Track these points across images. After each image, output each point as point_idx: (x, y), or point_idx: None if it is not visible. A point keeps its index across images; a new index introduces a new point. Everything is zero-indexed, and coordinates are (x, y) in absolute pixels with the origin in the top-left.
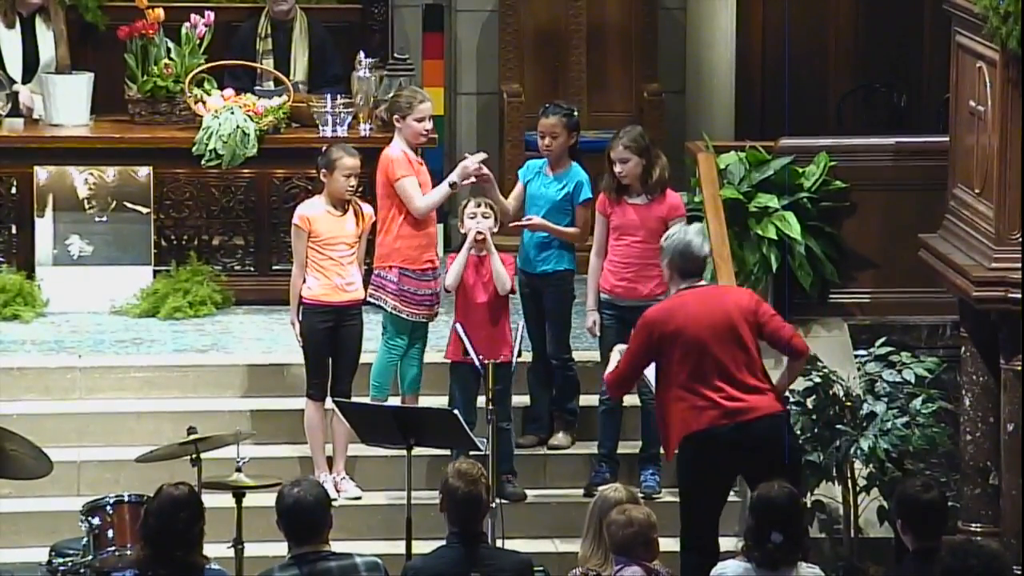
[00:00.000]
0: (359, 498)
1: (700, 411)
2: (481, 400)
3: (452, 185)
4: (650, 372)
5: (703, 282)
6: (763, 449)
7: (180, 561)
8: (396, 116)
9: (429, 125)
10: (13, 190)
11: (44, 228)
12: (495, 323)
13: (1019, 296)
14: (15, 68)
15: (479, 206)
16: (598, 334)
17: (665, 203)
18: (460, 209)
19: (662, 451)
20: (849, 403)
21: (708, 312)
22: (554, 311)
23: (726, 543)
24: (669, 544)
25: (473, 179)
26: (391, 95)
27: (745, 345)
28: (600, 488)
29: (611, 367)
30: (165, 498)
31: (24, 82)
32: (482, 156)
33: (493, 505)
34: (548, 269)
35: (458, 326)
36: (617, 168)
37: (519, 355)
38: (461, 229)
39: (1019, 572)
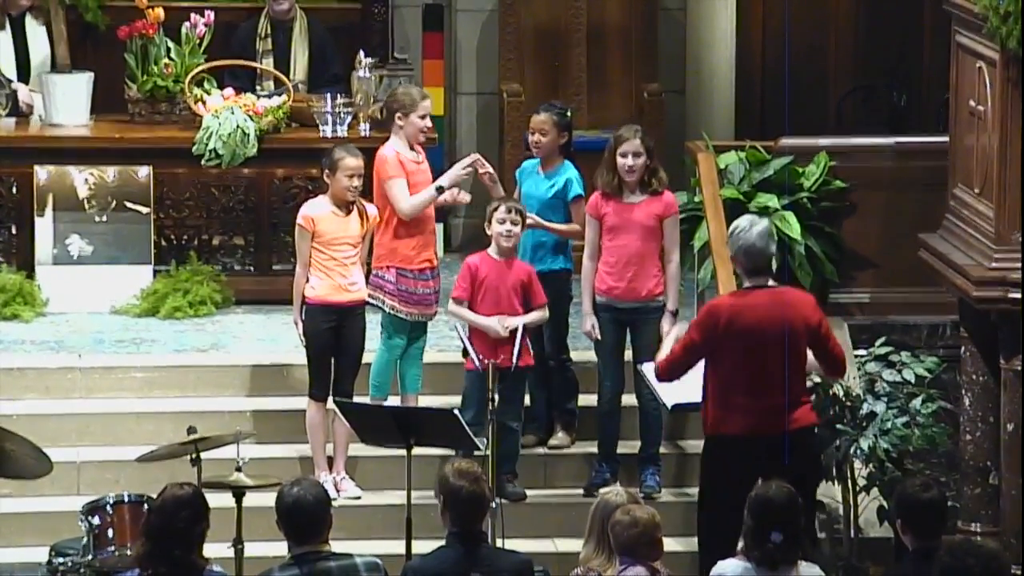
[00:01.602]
0: (359, 498)
1: (742, 415)
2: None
3: (439, 189)
4: (652, 375)
5: (772, 282)
6: (794, 459)
7: (178, 560)
8: (398, 114)
9: (429, 123)
10: (13, 190)
11: (44, 228)
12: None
13: (1019, 296)
14: (9, 68)
15: (510, 211)
16: (598, 337)
17: (661, 201)
18: (489, 211)
19: (663, 450)
20: (849, 403)
21: (778, 320)
22: (549, 312)
23: None
24: (670, 544)
25: (463, 178)
26: (388, 95)
27: (802, 358)
28: (601, 491)
29: (663, 353)
30: (168, 496)
31: (19, 81)
32: (474, 158)
33: (493, 505)
34: (543, 269)
35: (458, 327)
36: (629, 161)
37: (519, 355)
38: (488, 231)
39: (1018, 572)
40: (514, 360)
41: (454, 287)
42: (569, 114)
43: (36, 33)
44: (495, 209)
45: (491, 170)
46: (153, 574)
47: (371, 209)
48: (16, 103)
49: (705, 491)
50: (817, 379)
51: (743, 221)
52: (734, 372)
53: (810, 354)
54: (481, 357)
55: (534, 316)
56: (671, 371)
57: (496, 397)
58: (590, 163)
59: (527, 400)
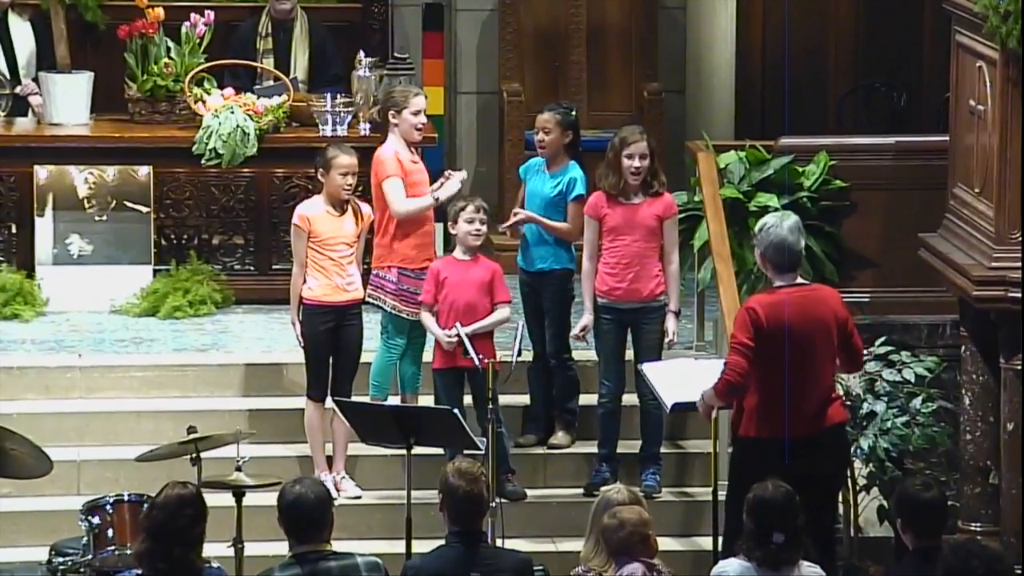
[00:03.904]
0: (359, 497)
1: (780, 417)
2: (468, 401)
3: (436, 199)
4: (652, 375)
5: (801, 280)
6: (828, 456)
7: (177, 558)
8: (392, 112)
9: (423, 119)
10: (13, 189)
11: (44, 227)
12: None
13: (1019, 295)
14: None
15: (478, 211)
16: (584, 336)
17: (661, 202)
18: (454, 211)
19: (663, 449)
20: (849, 402)
21: (810, 318)
22: (552, 310)
23: (705, 542)
24: (670, 543)
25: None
26: (384, 93)
27: (834, 355)
28: (603, 489)
29: (694, 393)
30: (171, 494)
31: (12, 80)
32: (463, 175)
33: (493, 505)
34: (545, 268)
35: (458, 325)
36: (636, 163)
37: (519, 354)
38: (452, 230)
39: (1020, 572)
40: (514, 357)
41: (422, 292)
42: (574, 113)
43: (21, 30)
44: (462, 209)
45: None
46: (153, 572)
47: (365, 208)
48: (16, 103)
49: (735, 492)
50: None
51: (771, 218)
52: (769, 372)
53: None
54: (481, 356)
55: (489, 320)
56: (738, 384)
57: (493, 396)
58: (590, 163)
59: (528, 400)
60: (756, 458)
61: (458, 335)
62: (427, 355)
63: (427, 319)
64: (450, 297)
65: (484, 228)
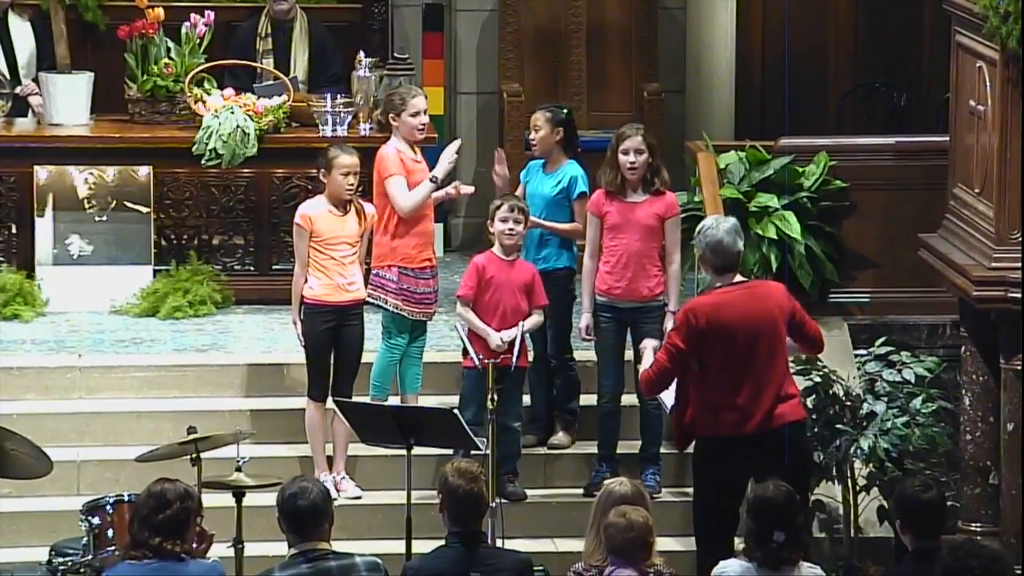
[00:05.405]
0: (359, 498)
1: (732, 415)
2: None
3: (433, 180)
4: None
5: (740, 277)
6: (784, 455)
7: (155, 547)
8: (391, 114)
9: (425, 119)
10: (13, 189)
11: (44, 228)
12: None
13: (1019, 295)
14: None
15: (512, 210)
16: (589, 337)
17: (663, 201)
18: (492, 209)
19: (663, 449)
20: (849, 403)
21: (754, 314)
22: (552, 311)
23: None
24: (670, 543)
25: (452, 190)
26: (384, 96)
27: (783, 350)
28: (606, 482)
29: (645, 364)
30: (143, 491)
31: (12, 80)
32: (458, 143)
33: (493, 505)
34: (547, 268)
35: (458, 326)
36: (631, 158)
37: (519, 355)
38: (491, 228)
39: (1020, 573)
40: (514, 360)
41: (460, 285)
42: (566, 112)
43: (21, 30)
44: (497, 208)
45: (501, 171)
46: (139, 559)
47: (368, 208)
48: (16, 103)
49: (699, 492)
50: (817, 379)
51: (709, 220)
52: (720, 371)
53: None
54: (481, 356)
55: (531, 322)
56: (658, 383)
57: (495, 397)
58: (590, 163)
59: (527, 399)
60: (715, 456)
61: (460, 338)
62: (428, 356)
63: (469, 314)
64: (496, 297)
65: (519, 227)
